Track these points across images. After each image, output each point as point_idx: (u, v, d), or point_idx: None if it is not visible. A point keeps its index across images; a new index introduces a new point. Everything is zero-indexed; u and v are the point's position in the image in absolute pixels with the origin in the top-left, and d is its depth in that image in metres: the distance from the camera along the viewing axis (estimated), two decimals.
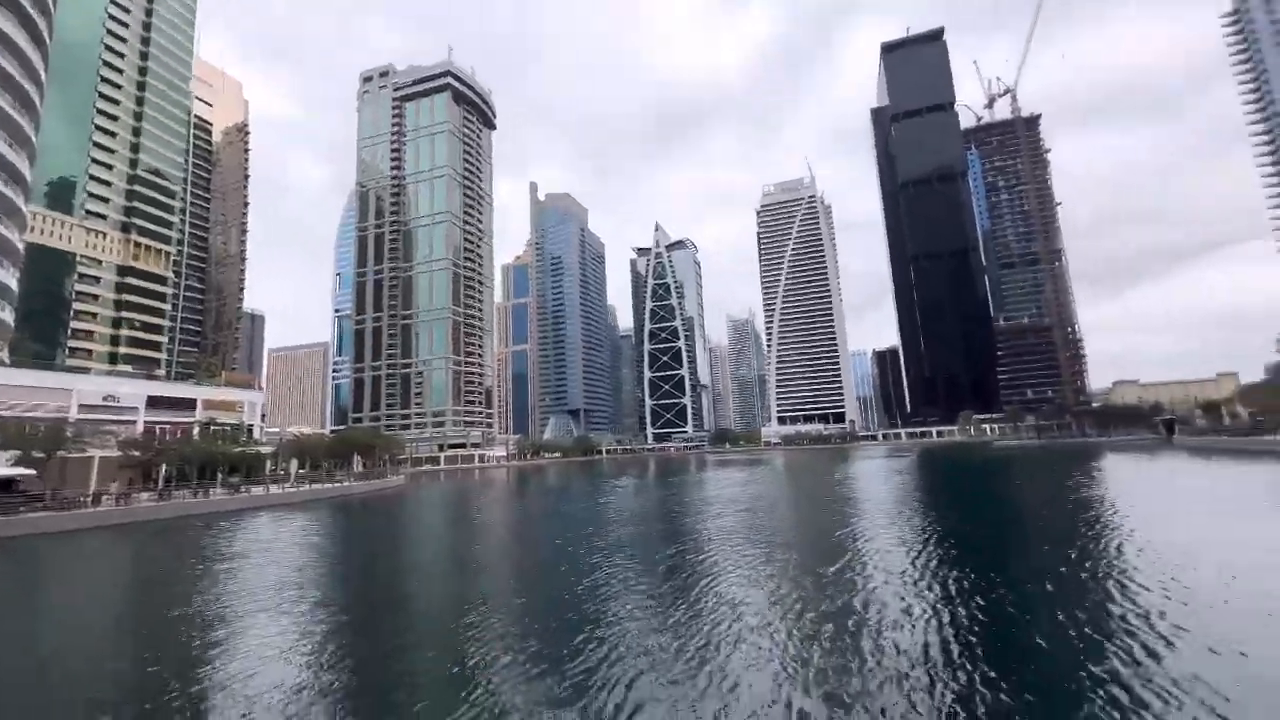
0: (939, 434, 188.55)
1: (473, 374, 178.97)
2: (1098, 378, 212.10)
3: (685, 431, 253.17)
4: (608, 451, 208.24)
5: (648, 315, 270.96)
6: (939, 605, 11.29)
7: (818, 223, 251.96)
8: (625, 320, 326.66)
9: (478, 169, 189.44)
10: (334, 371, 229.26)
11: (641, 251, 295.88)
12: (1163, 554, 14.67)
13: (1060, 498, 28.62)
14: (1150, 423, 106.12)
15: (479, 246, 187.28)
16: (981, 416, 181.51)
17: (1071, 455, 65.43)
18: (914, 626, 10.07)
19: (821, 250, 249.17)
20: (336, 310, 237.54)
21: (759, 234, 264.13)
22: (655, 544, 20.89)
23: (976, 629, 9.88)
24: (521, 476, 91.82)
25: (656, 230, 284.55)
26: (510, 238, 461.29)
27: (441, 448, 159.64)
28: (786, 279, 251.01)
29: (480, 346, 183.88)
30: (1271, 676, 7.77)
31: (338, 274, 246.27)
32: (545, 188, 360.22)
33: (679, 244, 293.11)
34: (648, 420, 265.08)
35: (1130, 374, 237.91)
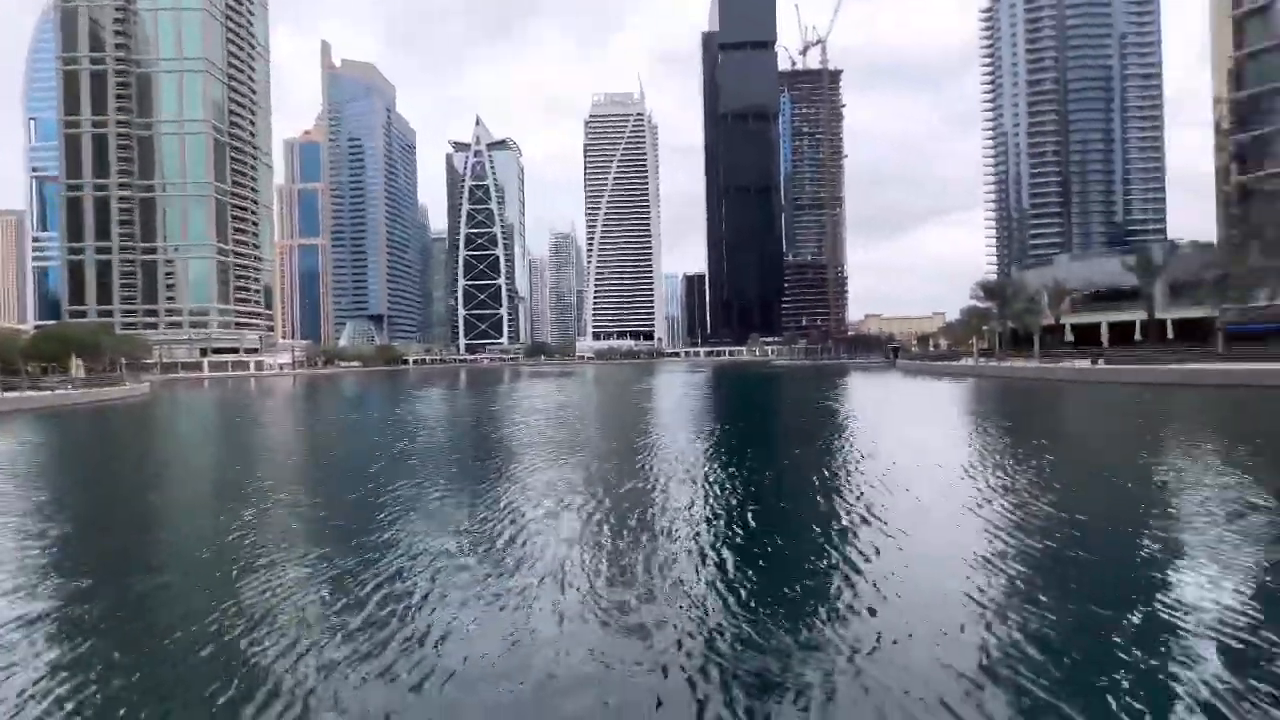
0: (731, 353, 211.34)
1: (246, 267, 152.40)
2: (856, 310, 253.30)
3: (500, 343, 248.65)
4: (415, 361, 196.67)
5: (464, 218, 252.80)
6: (710, 485, 12.89)
7: (644, 142, 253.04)
8: (438, 223, 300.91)
9: (248, 7, 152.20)
10: (35, 252, 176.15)
11: (459, 147, 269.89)
12: (863, 435, 18.60)
13: (807, 400, 34.46)
14: (884, 349, 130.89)
15: (250, 111, 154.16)
16: (767, 340, 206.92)
17: (825, 373, 78.69)
18: (684, 511, 11.36)
19: (645, 170, 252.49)
20: (35, 169, 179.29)
21: (586, 146, 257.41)
22: (444, 455, 20.56)
23: (741, 502, 11.49)
24: (311, 386, 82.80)
25: (478, 125, 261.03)
26: (294, 108, 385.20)
27: (205, 352, 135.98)
28: (610, 196, 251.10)
29: (256, 235, 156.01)
30: (928, 501, 10.37)
31: (31, 119, 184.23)
32: (341, 53, 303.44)
33: (501, 144, 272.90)
34: (460, 330, 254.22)
35: (878, 309, 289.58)
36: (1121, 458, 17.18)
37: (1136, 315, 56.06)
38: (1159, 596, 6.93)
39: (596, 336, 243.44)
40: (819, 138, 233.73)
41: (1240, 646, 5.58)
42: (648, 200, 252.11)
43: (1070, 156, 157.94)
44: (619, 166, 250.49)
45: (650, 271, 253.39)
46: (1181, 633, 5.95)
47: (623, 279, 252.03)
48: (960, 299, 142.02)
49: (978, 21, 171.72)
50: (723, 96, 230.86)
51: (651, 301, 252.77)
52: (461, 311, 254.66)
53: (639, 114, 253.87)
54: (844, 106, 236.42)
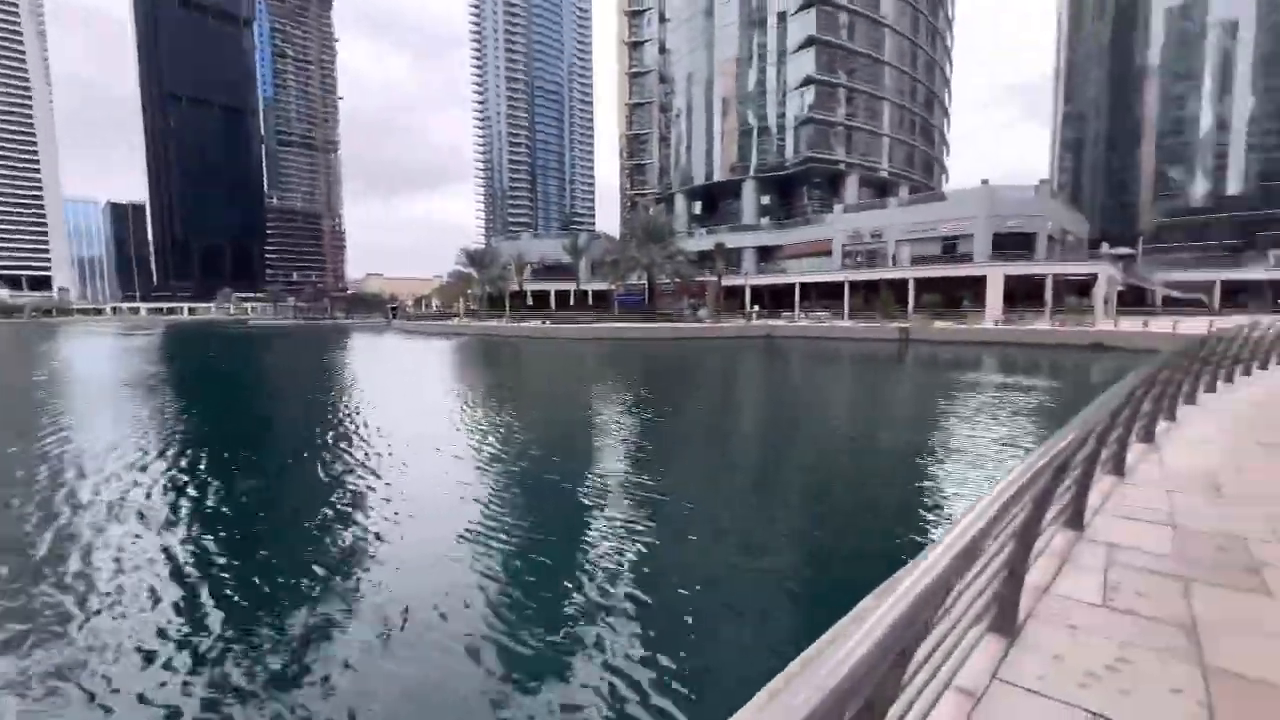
0: (191, 310, 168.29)
1: None
2: (357, 268, 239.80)
3: None
4: None
5: None
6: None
7: None
8: None
9: None
10: None
11: None
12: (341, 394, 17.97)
13: (296, 367, 30.75)
14: (384, 309, 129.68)
15: None
16: (244, 295, 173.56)
17: (319, 334, 72.13)
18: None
19: (20, 34, 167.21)
20: None
21: None
22: None
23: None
24: None
25: None
26: None
27: None
28: None
29: None
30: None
31: None
32: None
33: None
34: None
35: (382, 268, 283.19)
36: (564, 393, 21.96)
37: (570, 286, 73.13)
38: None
39: None
40: (309, 68, 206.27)
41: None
42: (28, 79, 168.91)
43: (536, 152, 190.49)
44: None
45: (39, 191, 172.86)
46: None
47: None
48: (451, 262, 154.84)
49: (467, 6, 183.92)
50: None
51: (45, 235, 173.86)
52: None
53: None
54: (337, 41, 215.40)
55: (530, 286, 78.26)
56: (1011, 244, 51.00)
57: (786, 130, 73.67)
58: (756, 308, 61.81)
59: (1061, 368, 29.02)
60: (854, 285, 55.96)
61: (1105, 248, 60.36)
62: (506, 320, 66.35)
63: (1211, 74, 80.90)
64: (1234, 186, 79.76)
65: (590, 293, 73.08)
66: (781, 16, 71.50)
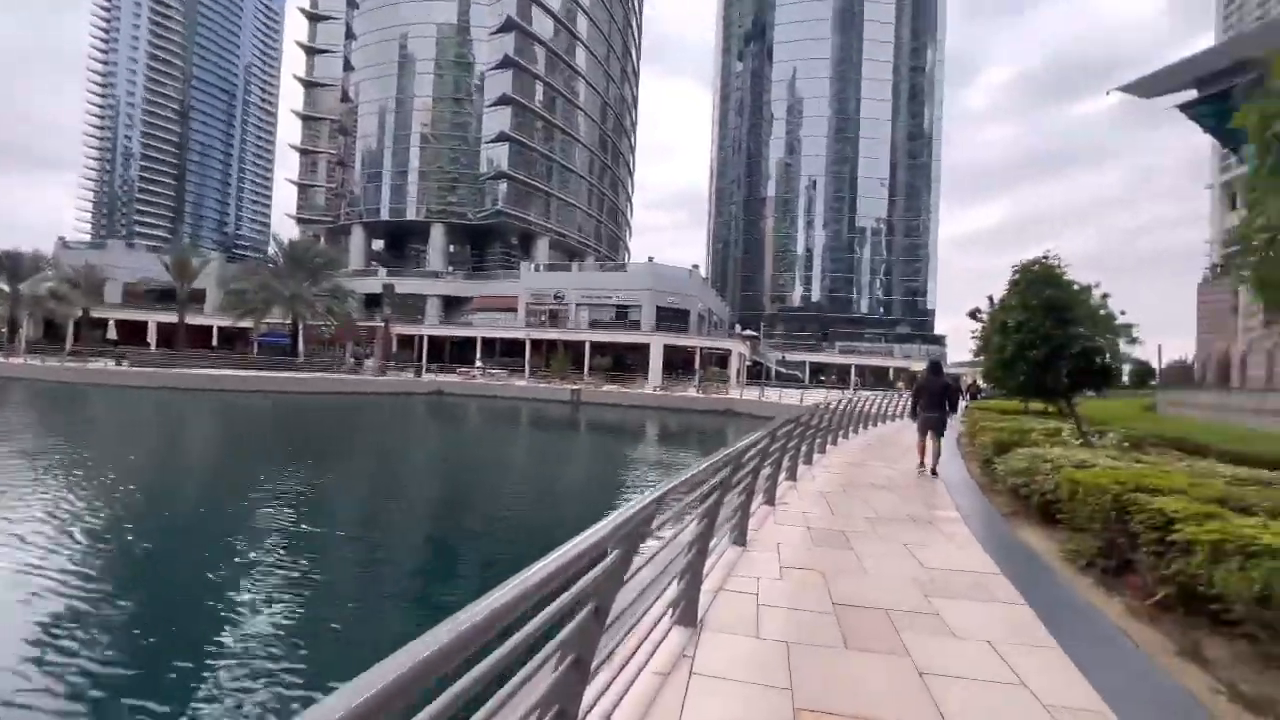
0: None
1: None
2: None
3: None
4: None
5: None
6: None
7: None
8: None
9: None
10: None
11: None
12: None
13: None
14: None
15: None
16: None
17: None
18: None
19: None
20: None
21: None
22: None
23: None
24: None
25: None
26: None
27: None
28: None
29: None
30: None
31: None
32: None
33: None
34: None
35: None
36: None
37: (186, 318, 54.98)
38: None
39: None
40: None
41: None
42: None
43: (190, 151, 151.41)
44: None
45: None
46: None
47: None
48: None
49: None
50: None
51: None
52: None
53: None
54: None
55: (117, 314, 56.80)
56: (671, 317, 55.88)
57: (484, 181, 70.90)
58: (434, 362, 55.05)
59: (704, 429, 31.10)
60: (536, 343, 54.10)
61: (738, 329, 71.99)
62: (66, 359, 45.63)
63: (802, 211, 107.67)
64: (816, 294, 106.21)
65: (217, 329, 56.26)
66: (481, 78, 69.88)
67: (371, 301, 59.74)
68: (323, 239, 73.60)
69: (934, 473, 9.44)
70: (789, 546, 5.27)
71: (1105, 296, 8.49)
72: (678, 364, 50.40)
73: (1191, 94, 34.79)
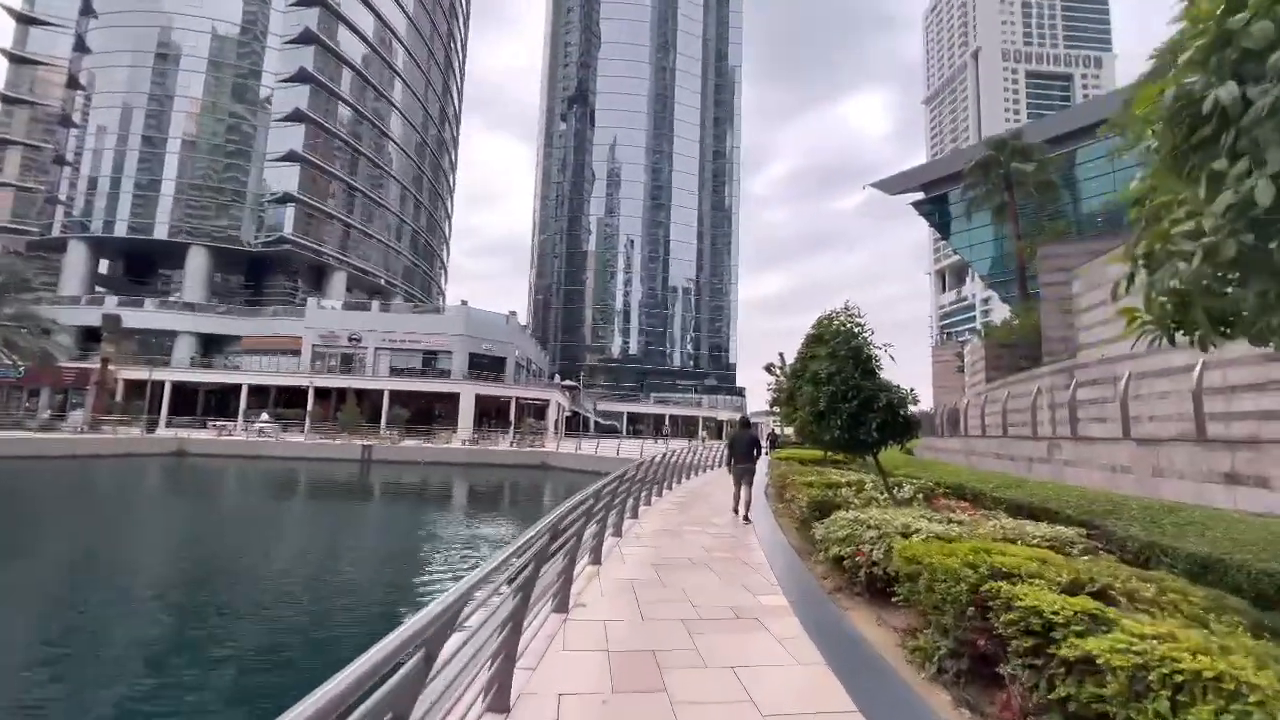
0: None
1: None
2: None
3: None
4: None
5: None
6: None
7: None
8: None
9: None
10: None
11: None
12: None
13: None
14: None
15: None
16: None
17: None
18: None
19: None
20: None
21: None
22: None
23: None
24: None
25: None
26: None
27: None
28: None
29: None
30: None
31: None
32: None
33: None
34: None
35: None
36: None
37: None
38: None
39: None
40: None
41: None
42: None
43: None
44: None
45: None
46: None
47: None
48: None
49: None
50: None
51: None
52: None
53: None
54: None
55: None
56: (487, 365, 52.40)
57: (266, 203, 61.21)
58: (185, 414, 44.25)
59: (518, 485, 29.04)
60: (322, 392, 46.49)
61: (558, 379, 70.52)
62: None
63: (621, 268, 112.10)
64: (634, 347, 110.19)
65: None
66: (272, 90, 61.50)
67: (93, 335, 46.82)
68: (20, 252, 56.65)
69: (746, 519, 9.87)
70: (574, 700, 3.48)
71: (887, 346, 8.41)
72: (492, 415, 46.99)
73: (919, 195, 43.87)
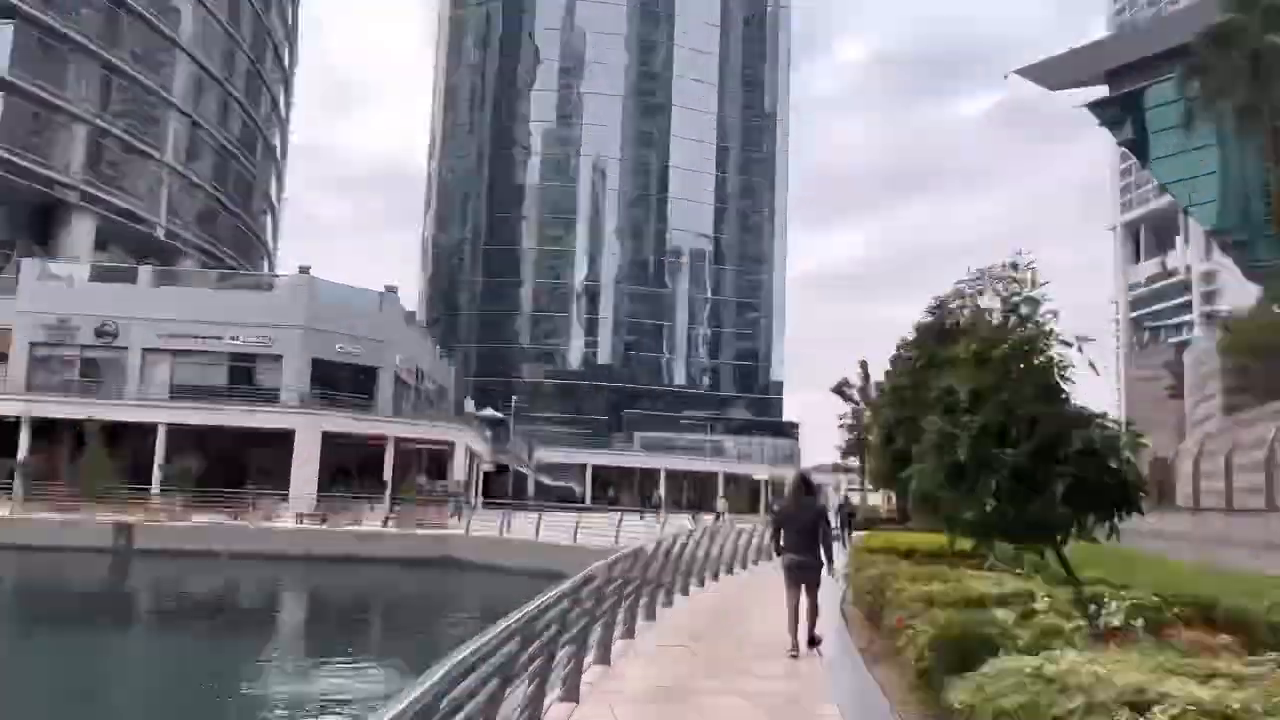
0: None
1: None
2: None
3: None
4: None
5: None
6: None
7: None
8: None
9: None
10: None
11: None
12: None
13: None
14: None
15: None
16: None
17: None
18: None
19: None
20: None
21: None
22: None
23: None
24: None
25: None
26: None
27: None
28: None
29: None
30: None
31: None
32: None
33: None
34: None
35: None
36: None
37: None
38: None
39: None
40: None
41: None
42: None
43: None
44: None
45: None
46: None
47: None
48: None
49: None
50: None
51: None
52: None
53: None
54: None
55: None
56: (345, 381, 34.51)
57: None
58: None
59: (397, 604, 19.98)
60: (43, 427, 28.39)
61: (471, 406, 49.71)
62: None
63: (585, 214, 74.15)
64: (606, 352, 73.91)
65: None
66: None
67: None
68: None
69: (811, 644, 7.00)
70: None
71: (1082, 340, 5.38)
72: (353, 469, 30.97)
73: (1099, 90, 30.96)
